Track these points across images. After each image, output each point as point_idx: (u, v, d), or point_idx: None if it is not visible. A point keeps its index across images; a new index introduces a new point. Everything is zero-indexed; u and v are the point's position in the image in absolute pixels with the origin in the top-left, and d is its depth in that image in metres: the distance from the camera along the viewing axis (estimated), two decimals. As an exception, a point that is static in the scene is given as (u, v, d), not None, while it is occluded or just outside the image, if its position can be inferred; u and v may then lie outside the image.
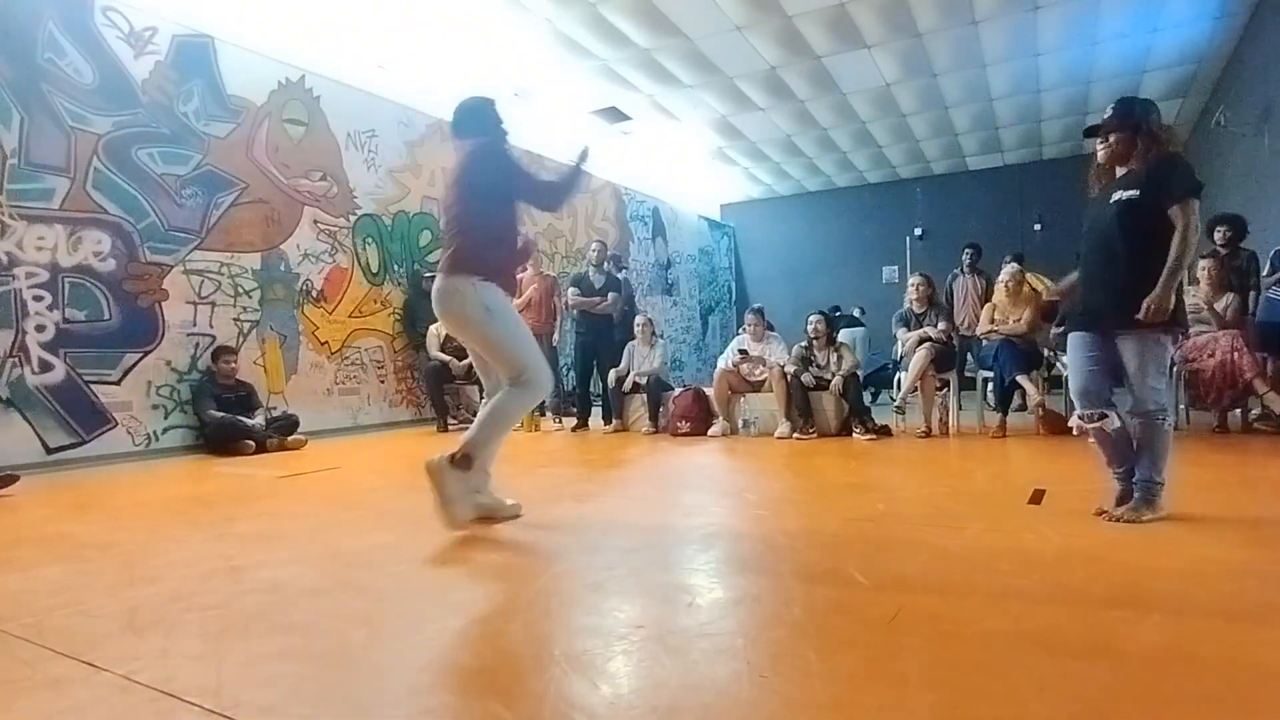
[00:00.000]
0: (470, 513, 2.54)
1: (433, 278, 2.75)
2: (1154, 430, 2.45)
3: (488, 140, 2.71)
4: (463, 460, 2.51)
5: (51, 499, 3.60)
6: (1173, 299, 2.36)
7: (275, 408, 5.71)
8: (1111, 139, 2.50)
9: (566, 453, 4.94)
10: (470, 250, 2.60)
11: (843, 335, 7.78)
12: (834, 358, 5.42)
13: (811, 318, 5.56)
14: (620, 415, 6.10)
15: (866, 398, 5.66)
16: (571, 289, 6.46)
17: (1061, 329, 4.92)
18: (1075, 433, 2.77)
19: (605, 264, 6.66)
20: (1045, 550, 2.14)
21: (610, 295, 6.37)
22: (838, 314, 8.89)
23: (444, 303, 2.65)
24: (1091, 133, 2.58)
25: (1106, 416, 2.51)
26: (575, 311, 6.50)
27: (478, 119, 2.80)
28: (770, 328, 5.92)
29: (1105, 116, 2.53)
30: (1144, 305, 2.32)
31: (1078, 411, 2.60)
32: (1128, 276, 2.40)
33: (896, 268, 11.75)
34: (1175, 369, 5.18)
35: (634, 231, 10.94)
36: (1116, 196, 2.46)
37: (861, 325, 9.15)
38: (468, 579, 1.99)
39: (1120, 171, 2.53)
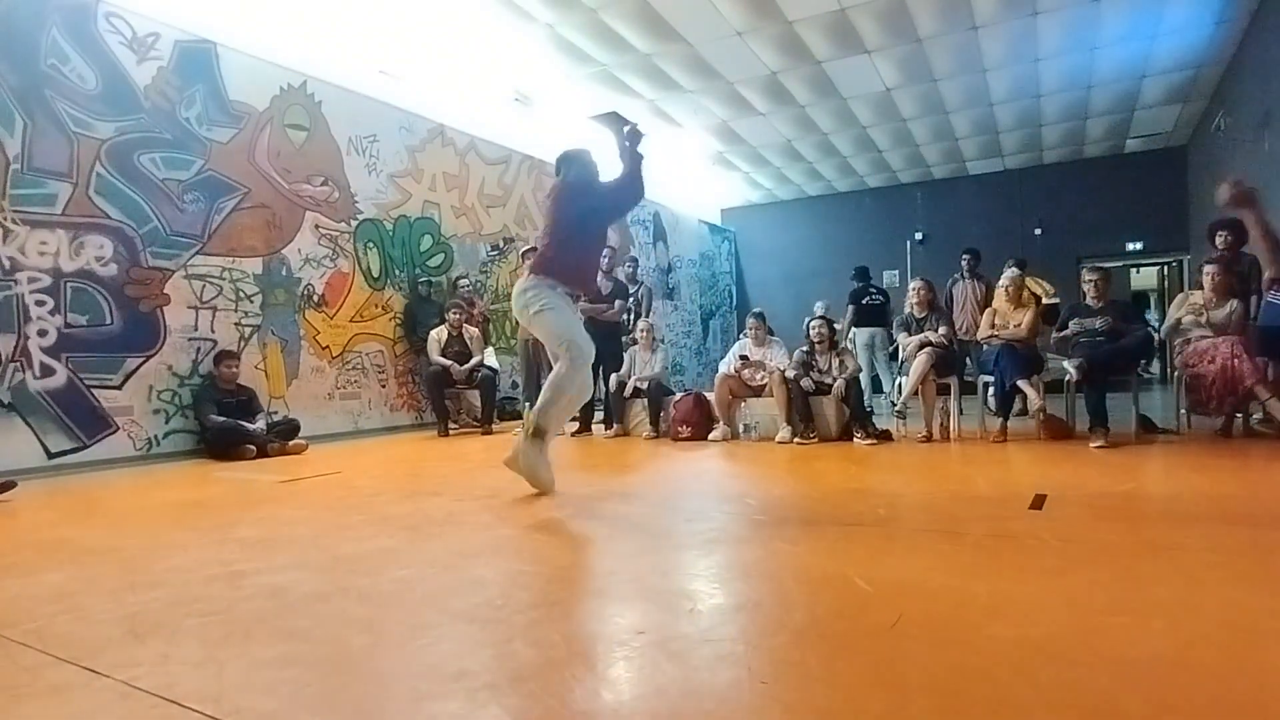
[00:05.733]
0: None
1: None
2: None
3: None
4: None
5: (52, 504, 3.60)
6: None
7: (276, 412, 5.72)
8: None
9: (567, 458, 4.93)
10: None
11: (862, 336, 7.63)
12: (836, 362, 5.42)
13: (814, 322, 5.56)
14: (621, 420, 6.10)
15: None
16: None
17: (1063, 333, 4.95)
18: None
19: (615, 270, 6.61)
20: (1046, 555, 2.14)
21: (617, 303, 6.36)
22: (870, 285, 7.89)
23: None
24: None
25: None
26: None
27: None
28: (771, 332, 5.92)
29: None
30: None
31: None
32: None
33: (897, 272, 11.76)
34: (1176, 374, 5.18)
35: (635, 236, 10.95)
36: None
37: (882, 325, 7.71)
38: (469, 584, 1.99)
39: None
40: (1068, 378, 4.87)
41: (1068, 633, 1.52)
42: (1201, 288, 4.92)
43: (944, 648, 1.46)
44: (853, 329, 7.62)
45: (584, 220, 3.42)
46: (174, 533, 2.77)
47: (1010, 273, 5.36)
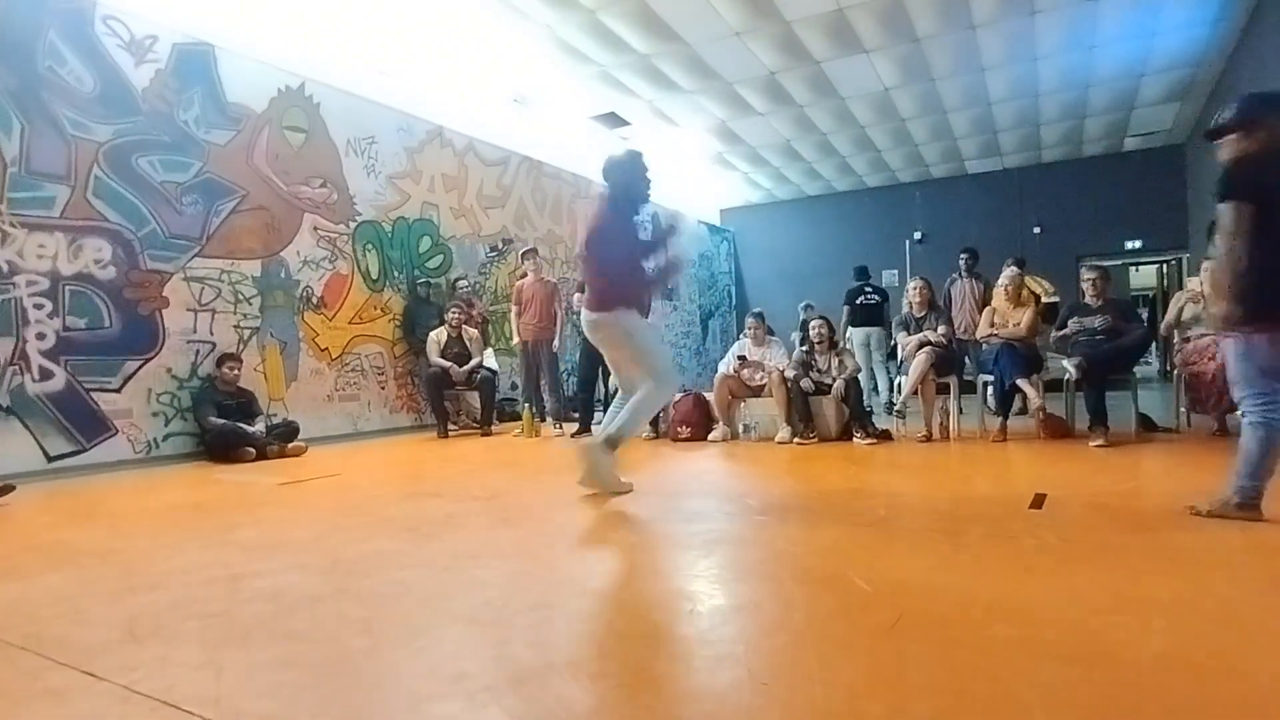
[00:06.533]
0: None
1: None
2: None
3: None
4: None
5: (52, 507, 3.60)
6: None
7: (275, 414, 5.71)
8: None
9: (568, 458, 4.93)
10: None
11: (858, 336, 7.62)
12: (835, 362, 5.42)
13: (814, 322, 5.56)
14: (621, 420, 6.08)
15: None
16: (578, 294, 6.42)
17: (1063, 332, 4.94)
18: None
19: None
20: (1046, 555, 2.13)
21: None
22: (866, 285, 7.87)
23: None
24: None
25: None
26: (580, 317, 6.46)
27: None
28: (770, 332, 5.92)
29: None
30: None
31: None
32: None
33: (896, 271, 11.76)
34: (1176, 373, 5.17)
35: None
36: None
37: (879, 325, 7.70)
38: (468, 586, 1.99)
39: None
40: (1067, 377, 4.86)
41: (1068, 633, 1.52)
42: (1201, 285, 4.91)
43: (944, 648, 1.46)
44: (849, 329, 7.59)
45: (636, 242, 3.43)
46: (173, 535, 2.77)
47: (1009, 272, 5.36)
